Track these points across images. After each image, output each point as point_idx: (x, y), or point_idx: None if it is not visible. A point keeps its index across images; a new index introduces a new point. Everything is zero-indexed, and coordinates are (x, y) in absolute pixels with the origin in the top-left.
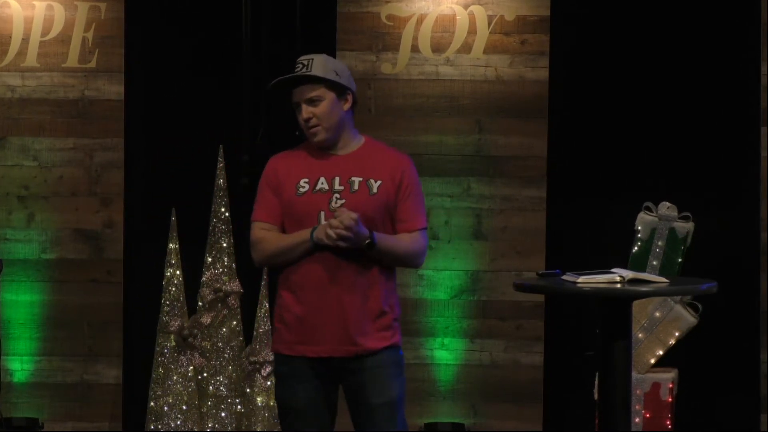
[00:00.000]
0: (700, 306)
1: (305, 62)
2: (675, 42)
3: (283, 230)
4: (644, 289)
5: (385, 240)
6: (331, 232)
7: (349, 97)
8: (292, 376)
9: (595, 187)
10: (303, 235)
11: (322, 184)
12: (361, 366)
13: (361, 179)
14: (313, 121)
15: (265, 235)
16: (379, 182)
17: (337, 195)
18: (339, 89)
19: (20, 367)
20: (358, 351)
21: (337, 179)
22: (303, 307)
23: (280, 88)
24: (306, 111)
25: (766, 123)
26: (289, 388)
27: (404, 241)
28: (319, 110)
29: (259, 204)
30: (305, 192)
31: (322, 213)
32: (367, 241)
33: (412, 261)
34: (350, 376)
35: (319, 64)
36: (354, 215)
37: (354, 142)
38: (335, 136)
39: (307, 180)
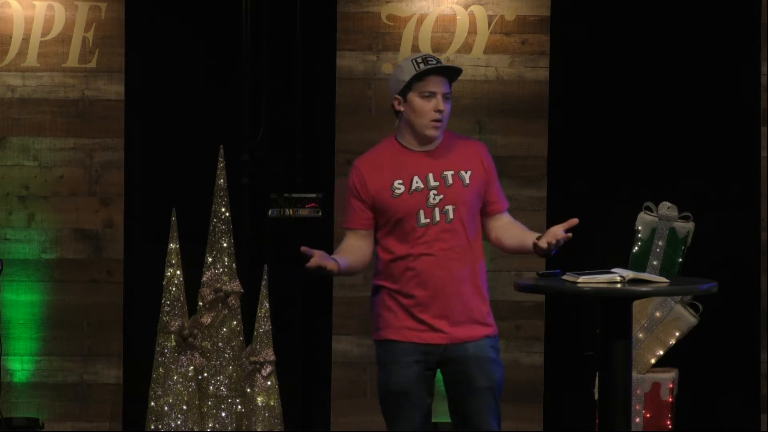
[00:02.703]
0: (700, 306)
1: (436, 58)
2: (675, 42)
3: (376, 231)
4: (644, 289)
5: None
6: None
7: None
8: (395, 361)
9: (595, 187)
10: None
11: (417, 183)
12: (466, 352)
13: (452, 172)
14: (442, 116)
15: (345, 247)
16: (469, 172)
17: (434, 191)
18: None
19: (20, 367)
20: (469, 338)
21: (430, 176)
22: (414, 296)
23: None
24: (441, 103)
25: (766, 123)
26: (392, 373)
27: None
28: (448, 108)
29: (347, 212)
30: (401, 193)
31: (422, 211)
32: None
33: None
34: (454, 363)
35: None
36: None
37: (438, 139)
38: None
39: (400, 181)
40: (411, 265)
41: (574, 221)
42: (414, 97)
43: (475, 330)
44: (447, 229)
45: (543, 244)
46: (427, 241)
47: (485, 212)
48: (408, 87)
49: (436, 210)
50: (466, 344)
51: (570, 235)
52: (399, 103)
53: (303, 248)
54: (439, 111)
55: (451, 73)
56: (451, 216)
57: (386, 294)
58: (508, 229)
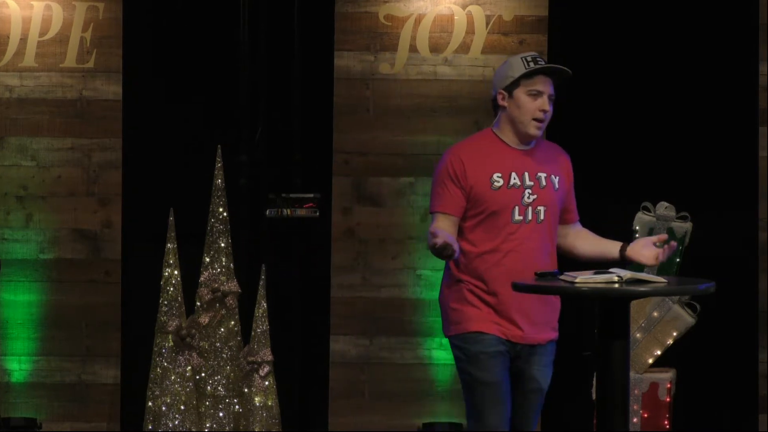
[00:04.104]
0: (698, 306)
1: (544, 60)
2: (673, 42)
3: (463, 220)
4: (642, 289)
5: None
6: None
7: None
8: (484, 352)
9: (593, 187)
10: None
11: (515, 179)
12: (534, 353)
13: (545, 175)
14: (545, 116)
15: (443, 228)
16: (558, 177)
17: (529, 190)
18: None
19: (18, 367)
20: (541, 340)
21: (526, 174)
22: (498, 292)
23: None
24: (546, 104)
25: (764, 122)
26: (483, 363)
27: None
28: (551, 108)
29: (440, 195)
30: (500, 187)
31: (517, 208)
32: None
33: None
34: (518, 361)
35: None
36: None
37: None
38: None
39: (500, 175)
40: (500, 261)
41: (664, 237)
42: (520, 94)
43: (547, 333)
44: (537, 229)
45: (644, 256)
46: (518, 238)
47: (561, 220)
48: (516, 83)
49: (530, 209)
50: (536, 346)
51: (674, 244)
52: (503, 98)
53: (432, 228)
54: (543, 111)
55: (558, 75)
56: (542, 217)
57: (466, 288)
58: (584, 237)
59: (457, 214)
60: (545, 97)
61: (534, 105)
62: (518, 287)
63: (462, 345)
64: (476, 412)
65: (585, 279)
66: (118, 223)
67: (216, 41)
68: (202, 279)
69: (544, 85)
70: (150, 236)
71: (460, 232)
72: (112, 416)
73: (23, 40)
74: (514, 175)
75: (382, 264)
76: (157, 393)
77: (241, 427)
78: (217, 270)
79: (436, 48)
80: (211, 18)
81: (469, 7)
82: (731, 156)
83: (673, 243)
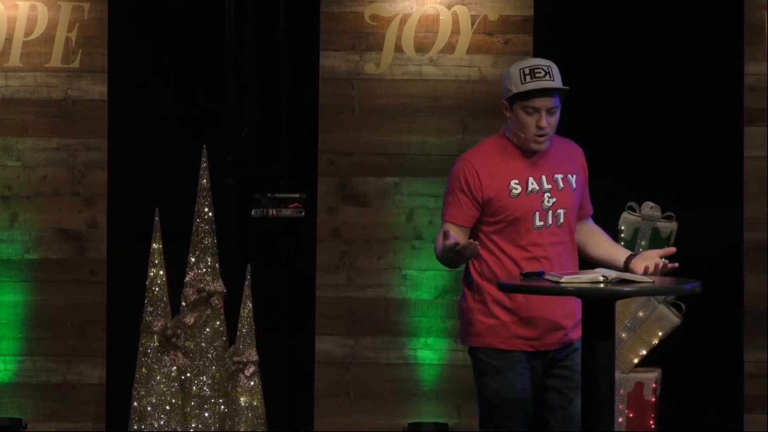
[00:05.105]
0: (683, 306)
1: (546, 69)
2: (659, 42)
3: (476, 228)
4: (627, 288)
5: None
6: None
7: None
8: (510, 369)
9: None
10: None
11: (533, 184)
12: (572, 353)
13: (562, 176)
14: (546, 130)
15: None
16: (575, 176)
17: (548, 194)
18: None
19: (3, 368)
20: (573, 339)
21: (543, 178)
22: (527, 302)
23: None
24: (545, 120)
25: (750, 123)
26: (508, 380)
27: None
28: (553, 120)
29: (452, 205)
30: (519, 194)
31: (537, 213)
32: None
33: None
34: (558, 363)
35: (557, 73)
36: None
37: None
38: None
39: (516, 181)
40: (524, 268)
41: (672, 250)
42: (518, 110)
43: (577, 332)
44: (557, 232)
45: (638, 269)
46: (541, 244)
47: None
48: (513, 98)
49: (550, 213)
50: (569, 348)
51: (676, 265)
52: (506, 109)
53: (445, 229)
54: (540, 127)
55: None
56: (561, 220)
57: (492, 299)
58: (594, 236)
59: (468, 225)
60: (542, 113)
61: (531, 121)
62: (503, 287)
63: (486, 359)
64: (492, 428)
65: (570, 279)
66: (104, 223)
67: (202, 41)
68: (187, 279)
69: (542, 101)
70: (135, 236)
71: (482, 241)
72: (98, 416)
73: (8, 40)
74: (531, 180)
75: (368, 264)
76: (142, 393)
77: (227, 427)
78: (203, 270)
79: (421, 48)
80: (197, 18)
81: (455, 7)
82: (717, 156)
83: (673, 265)
